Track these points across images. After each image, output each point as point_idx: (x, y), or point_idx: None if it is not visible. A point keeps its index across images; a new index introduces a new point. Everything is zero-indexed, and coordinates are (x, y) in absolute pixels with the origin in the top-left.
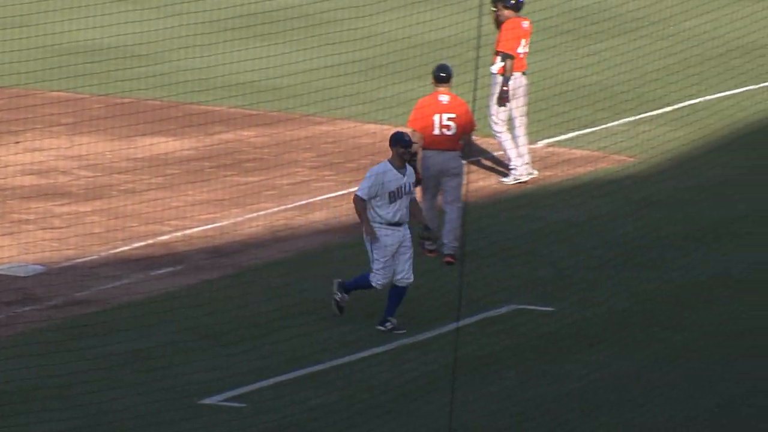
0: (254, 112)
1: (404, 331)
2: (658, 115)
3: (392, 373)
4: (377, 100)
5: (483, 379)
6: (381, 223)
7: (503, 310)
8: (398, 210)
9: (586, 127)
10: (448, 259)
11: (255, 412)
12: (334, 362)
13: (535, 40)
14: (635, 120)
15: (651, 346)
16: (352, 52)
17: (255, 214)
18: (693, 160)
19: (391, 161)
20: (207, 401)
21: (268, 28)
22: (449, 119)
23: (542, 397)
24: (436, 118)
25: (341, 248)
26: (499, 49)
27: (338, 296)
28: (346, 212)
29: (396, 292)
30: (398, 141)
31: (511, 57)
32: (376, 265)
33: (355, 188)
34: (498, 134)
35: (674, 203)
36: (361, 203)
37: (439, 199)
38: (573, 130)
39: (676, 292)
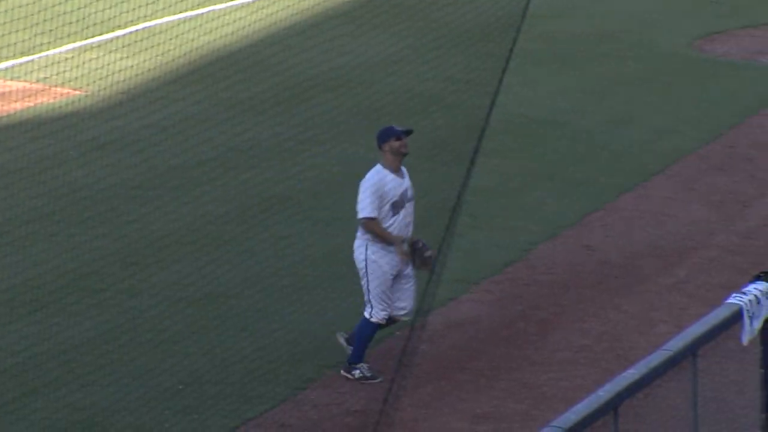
0: None
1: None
2: (107, 40)
3: None
4: None
5: None
6: (378, 244)
7: None
8: (401, 223)
9: (22, 54)
10: None
11: None
12: None
13: None
14: (81, 46)
15: (103, 313)
16: None
17: None
18: (150, 93)
19: (384, 164)
20: None
21: None
22: None
23: None
24: None
25: None
26: None
27: (357, 373)
28: None
29: (369, 329)
30: (389, 134)
31: None
32: (374, 297)
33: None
34: None
35: (129, 145)
36: (374, 224)
37: None
38: (6, 58)
39: (130, 250)
